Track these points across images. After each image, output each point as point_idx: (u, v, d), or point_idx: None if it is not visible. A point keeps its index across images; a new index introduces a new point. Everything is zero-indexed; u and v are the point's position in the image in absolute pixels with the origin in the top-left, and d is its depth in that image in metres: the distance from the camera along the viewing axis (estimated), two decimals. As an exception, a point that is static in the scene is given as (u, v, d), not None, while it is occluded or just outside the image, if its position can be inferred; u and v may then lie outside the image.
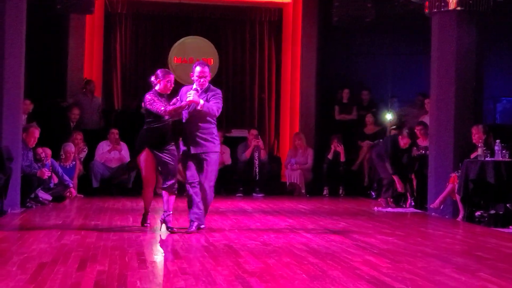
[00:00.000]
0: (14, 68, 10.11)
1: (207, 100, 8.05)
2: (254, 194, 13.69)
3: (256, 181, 13.89)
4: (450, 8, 10.52)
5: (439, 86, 10.78)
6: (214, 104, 8.09)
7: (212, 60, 15.79)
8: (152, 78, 8.20)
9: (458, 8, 10.48)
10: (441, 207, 10.41)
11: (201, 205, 8.13)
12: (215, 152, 8.23)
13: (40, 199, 11.06)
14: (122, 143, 13.54)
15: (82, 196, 12.54)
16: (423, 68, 13.03)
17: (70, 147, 12.62)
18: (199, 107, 7.95)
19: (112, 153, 13.43)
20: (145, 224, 8.45)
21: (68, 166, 12.46)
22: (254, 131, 14.31)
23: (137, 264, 5.91)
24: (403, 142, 11.51)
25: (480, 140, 9.98)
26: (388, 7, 14.18)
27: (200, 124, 8.10)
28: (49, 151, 11.54)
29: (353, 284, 5.17)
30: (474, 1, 10.43)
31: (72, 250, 6.54)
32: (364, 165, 14.23)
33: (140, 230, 8.14)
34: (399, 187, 11.48)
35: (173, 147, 8.13)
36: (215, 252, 6.67)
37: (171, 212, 8.13)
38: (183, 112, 8.11)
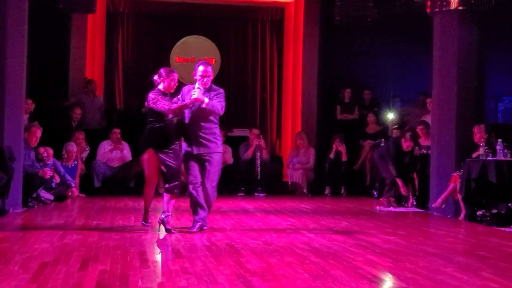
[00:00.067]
0: (16, 67, 10.11)
1: (210, 99, 8.04)
2: (256, 194, 13.69)
3: (258, 180, 13.89)
4: (451, 8, 10.52)
5: (441, 86, 10.77)
6: (218, 103, 8.08)
7: (214, 59, 15.80)
8: (155, 77, 8.14)
9: (460, 8, 10.48)
10: (443, 207, 10.40)
11: (204, 206, 8.12)
12: (217, 152, 8.22)
13: (42, 198, 11.06)
14: (124, 142, 13.55)
15: (84, 195, 12.55)
16: (425, 67, 13.01)
17: (72, 147, 12.62)
18: (204, 105, 7.94)
19: (114, 152, 13.44)
20: (146, 224, 8.41)
21: (70, 166, 12.47)
22: (256, 131, 14.30)
23: (139, 264, 5.91)
24: (406, 145, 11.50)
25: (482, 140, 9.97)
26: (389, 7, 14.18)
27: (202, 124, 8.09)
28: (51, 151, 11.55)
29: (355, 283, 5.17)
30: (475, 1, 10.42)
31: (74, 250, 6.55)
32: (366, 164, 14.23)
33: (142, 230, 8.14)
34: (403, 190, 11.47)
35: (177, 147, 8.08)
36: (217, 251, 6.67)
37: (170, 214, 8.10)
38: (185, 111, 8.09)
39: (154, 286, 5.07)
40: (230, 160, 14.11)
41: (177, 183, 8.04)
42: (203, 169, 8.10)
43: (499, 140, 9.73)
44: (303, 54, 15.78)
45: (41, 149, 11.32)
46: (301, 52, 15.84)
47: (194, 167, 8.10)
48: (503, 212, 9.43)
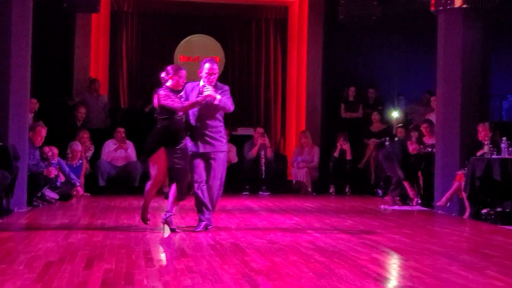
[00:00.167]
0: (20, 67, 10.12)
1: None
2: (260, 193, 13.69)
3: (262, 179, 13.90)
4: (456, 6, 10.51)
5: (445, 84, 10.77)
6: (228, 100, 8.08)
7: (218, 58, 15.79)
8: (163, 74, 8.02)
9: (464, 6, 10.47)
10: (448, 205, 10.40)
11: (209, 205, 8.12)
12: (223, 151, 8.22)
13: (47, 198, 11.08)
14: (128, 141, 13.56)
15: (89, 194, 12.56)
16: (429, 65, 13.02)
17: (77, 146, 12.64)
18: (216, 102, 7.92)
19: (118, 151, 13.45)
20: (147, 222, 8.27)
21: (74, 165, 12.48)
22: (260, 129, 14.31)
23: (144, 263, 5.92)
24: (412, 147, 11.48)
25: (487, 138, 9.96)
26: (393, 5, 14.17)
27: (208, 122, 8.08)
28: (56, 150, 11.56)
29: (360, 282, 5.17)
30: (480, -1, 10.44)
31: (79, 249, 6.55)
32: (370, 163, 14.21)
33: (146, 229, 8.13)
34: (411, 194, 11.45)
35: (185, 146, 8.01)
36: (221, 250, 6.67)
37: (174, 214, 8.06)
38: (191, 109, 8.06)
39: (159, 285, 5.07)
40: (234, 159, 14.11)
41: (185, 186, 7.97)
42: (208, 168, 8.09)
43: (504, 138, 9.71)
44: (307, 53, 15.78)
45: (46, 149, 11.34)
46: (305, 50, 15.84)
47: (199, 166, 8.08)
48: (507, 210, 9.41)
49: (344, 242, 7.22)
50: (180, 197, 7.96)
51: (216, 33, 16.41)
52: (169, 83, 7.95)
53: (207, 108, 8.00)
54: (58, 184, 11.66)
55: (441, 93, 10.89)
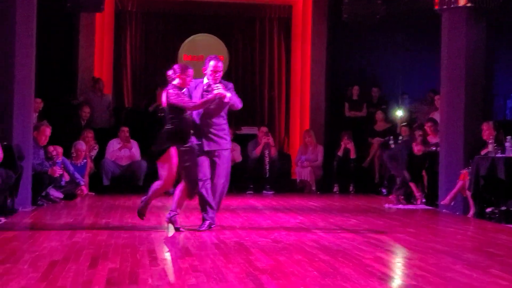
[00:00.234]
0: (25, 66, 10.14)
1: None
2: (264, 192, 13.70)
3: (266, 178, 13.90)
4: (460, 5, 10.50)
5: (449, 83, 10.76)
6: (236, 97, 8.09)
7: (222, 57, 15.80)
8: (170, 72, 7.96)
9: (468, 5, 10.46)
10: (452, 204, 10.39)
11: (213, 204, 8.12)
12: (227, 149, 8.23)
13: (51, 197, 11.10)
14: (132, 140, 13.58)
15: (93, 194, 12.58)
16: (433, 64, 13.02)
17: (81, 145, 12.65)
18: (226, 100, 7.92)
19: (122, 151, 13.46)
20: (143, 217, 8.16)
21: (79, 164, 12.50)
22: (264, 129, 14.31)
23: (149, 262, 5.92)
24: (417, 148, 11.48)
25: (491, 137, 9.95)
26: (397, 4, 14.16)
27: (214, 120, 8.09)
28: (60, 149, 11.58)
29: (365, 281, 5.17)
30: (483, -2, 10.43)
31: (83, 248, 6.56)
32: (374, 162, 14.21)
33: (151, 228, 8.14)
34: (417, 195, 11.44)
35: (192, 144, 7.99)
36: (226, 249, 6.67)
37: (178, 213, 8.05)
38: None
39: (163, 284, 5.07)
40: (238, 158, 14.12)
41: (194, 186, 7.95)
42: (213, 166, 8.09)
43: (508, 137, 9.69)
44: (311, 52, 15.78)
45: (51, 148, 11.35)
46: (309, 49, 15.84)
47: (204, 164, 8.06)
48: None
49: (349, 241, 7.22)
50: (189, 195, 7.96)
51: (220, 32, 16.41)
52: (176, 82, 7.90)
53: (214, 106, 8.00)
54: (63, 183, 11.68)
55: (445, 92, 10.88)
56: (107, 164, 13.26)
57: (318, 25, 15.80)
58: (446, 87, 10.82)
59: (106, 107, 14.78)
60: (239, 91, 15.87)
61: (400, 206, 11.35)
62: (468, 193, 9.90)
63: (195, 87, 8.10)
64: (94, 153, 13.34)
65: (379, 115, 14.75)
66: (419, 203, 11.49)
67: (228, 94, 7.90)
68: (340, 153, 14.13)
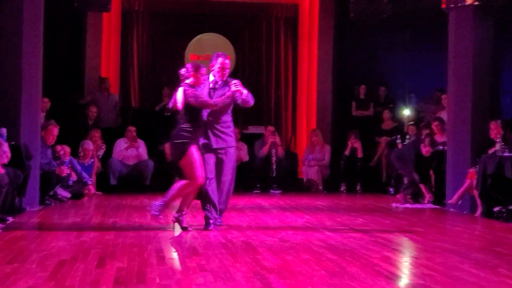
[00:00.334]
0: (32, 66, 10.16)
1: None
2: (271, 191, 13.70)
3: (273, 177, 13.90)
4: (467, 3, 10.48)
5: (456, 82, 10.74)
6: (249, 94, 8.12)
7: (229, 56, 15.78)
8: (183, 71, 7.93)
9: (475, 3, 10.44)
10: (459, 203, 10.37)
11: (216, 203, 8.11)
12: (233, 146, 8.25)
13: (59, 196, 11.12)
14: (139, 140, 13.59)
15: (101, 193, 12.60)
16: (440, 63, 12.99)
17: (89, 145, 12.67)
18: (244, 97, 7.95)
19: (129, 150, 13.48)
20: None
21: (86, 164, 12.52)
22: (271, 128, 14.31)
23: (156, 261, 5.93)
24: (425, 150, 11.47)
25: (498, 135, 9.93)
26: (404, 3, 14.13)
27: (222, 117, 8.09)
28: (68, 149, 11.60)
29: (372, 280, 5.17)
30: (491, -3, 10.41)
31: (91, 247, 6.57)
32: (382, 161, 14.20)
33: (158, 228, 8.14)
34: (428, 196, 11.42)
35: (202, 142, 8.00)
36: (233, 248, 6.68)
37: (185, 213, 8.05)
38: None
39: (171, 283, 5.08)
40: (245, 157, 14.13)
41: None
42: (220, 163, 8.08)
43: (516, 135, 9.70)
44: (318, 51, 15.78)
45: (58, 147, 11.38)
46: (316, 48, 15.84)
47: (210, 161, 8.06)
48: (520, 208, 9.40)
49: (356, 240, 7.22)
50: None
51: (227, 32, 16.42)
52: (189, 81, 7.88)
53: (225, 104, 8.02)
54: (70, 182, 11.71)
55: (452, 91, 10.87)
56: (114, 164, 13.28)
57: (325, 24, 15.80)
58: (453, 86, 10.81)
59: (113, 106, 14.80)
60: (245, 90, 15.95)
61: (407, 205, 11.34)
62: (476, 192, 9.89)
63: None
64: (101, 152, 13.36)
65: (386, 114, 14.74)
66: (426, 202, 11.48)
67: (245, 91, 7.93)
68: (347, 152, 14.12)
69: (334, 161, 14.37)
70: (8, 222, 8.21)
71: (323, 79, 15.73)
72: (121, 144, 13.53)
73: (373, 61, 16.01)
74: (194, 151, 7.76)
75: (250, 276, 5.27)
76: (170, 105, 8.06)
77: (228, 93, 7.95)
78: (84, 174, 11.98)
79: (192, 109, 7.77)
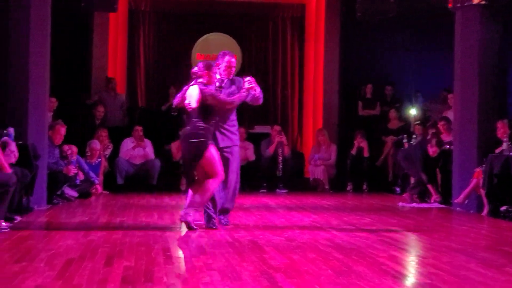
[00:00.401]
0: (39, 66, 10.19)
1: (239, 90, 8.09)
2: (277, 190, 13.71)
3: (280, 177, 13.91)
4: (474, 3, 10.47)
5: (463, 81, 10.73)
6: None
7: (235, 57, 15.80)
8: (195, 70, 7.93)
9: (482, 3, 10.43)
10: (466, 202, 10.36)
11: (217, 201, 8.15)
12: (238, 145, 8.32)
13: (66, 195, 11.15)
14: (146, 140, 13.61)
15: (108, 192, 12.62)
16: (446, 63, 12.98)
17: (96, 144, 12.70)
18: (257, 94, 8.00)
19: (136, 150, 13.50)
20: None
21: (93, 163, 12.54)
22: (277, 127, 14.32)
23: (163, 260, 5.95)
24: (432, 150, 11.46)
25: (505, 135, 9.92)
26: (411, 2, 14.12)
27: (229, 115, 8.12)
28: (75, 148, 11.62)
29: (379, 279, 5.17)
30: (497, -5, 10.40)
31: (98, 246, 6.59)
32: (388, 160, 14.19)
33: (165, 227, 8.17)
34: (436, 197, 11.40)
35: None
36: (240, 248, 6.69)
37: (192, 212, 8.05)
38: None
39: (178, 282, 5.10)
40: (252, 157, 14.14)
41: None
42: (226, 162, 8.10)
43: (523, 135, 9.68)
44: (324, 51, 15.78)
45: (66, 147, 11.41)
46: (322, 48, 15.84)
47: None
48: (526, 207, 9.39)
49: (362, 240, 7.22)
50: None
51: (233, 31, 16.44)
52: (201, 80, 7.88)
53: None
54: (77, 182, 11.74)
55: (458, 90, 10.86)
56: (121, 163, 13.31)
57: (331, 23, 15.79)
58: (459, 85, 10.80)
59: (119, 106, 14.83)
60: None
61: (414, 204, 11.34)
62: (482, 192, 9.88)
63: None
64: (108, 152, 13.39)
65: (392, 113, 14.73)
66: (432, 201, 11.47)
67: (257, 89, 7.97)
68: (353, 152, 14.11)
69: (340, 160, 14.37)
70: (16, 221, 8.24)
71: (330, 79, 15.73)
72: (128, 144, 13.55)
73: (380, 60, 16.00)
74: (212, 149, 7.81)
75: (257, 275, 5.28)
76: (176, 102, 8.03)
77: (243, 90, 7.97)
78: (91, 174, 12.02)
79: (207, 108, 7.78)
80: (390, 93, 15.58)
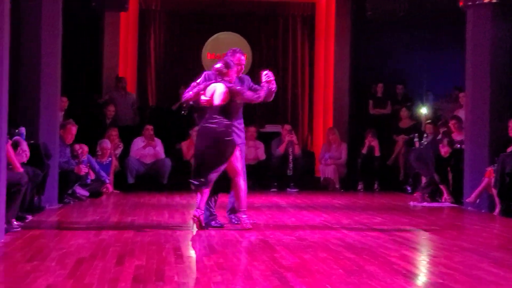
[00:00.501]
0: (51, 65, 10.22)
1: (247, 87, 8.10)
2: (288, 189, 13.69)
3: (290, 176, 13.89)
4: (485, 1, 10.43)
5: (474, 80, 10.70)
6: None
7: (245, 55, 15.80)
8: (219, 66, 7.89)
9: (493, 1, 10.39)
10: (477, 201, 10.33)
11: (229, 202, 8.20)
12: (245, 143, 8.35)
13: (78, 195, 11.18)
14: (156, 139, 13.63)
15: (118, 192, 12.64)
16: (457, 61, 12.94)
17: (106, 144, 12.73)
18: (274, 89, 8.02)
19: (147, 149, 13.51)
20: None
21: (104, 162, 12.57)
22: (288, 126, 14.31)
23: (174, 259, 5.96)
24: (444, 150, 11.41)
25: (517, 134, 9.89)
26: (421, 0, 14.09)
27: (240, 113, 8.12)
28: (86, 148, 11.65)
29: (390, 278, 5.16)
30: (509, -6, 10.35)
31: (109, 246, 6.60)
32: (399, 159, 14.14)
33: (176, 226, 8.18)
34: (448, 198, 11.35)
35: None
36: (250, 247, 6.70)
37: (204, 211, 8.03)
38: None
39: (189, 281, 5.11)
40: (262, 156, 14.14)
41: None
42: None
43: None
44: (335, 49, 15.74)
45: (77, 146, 11.44)
46: (333, 47, 15.80)
47: None
48: (538, 206, 9.35)
49: (374, 239, 7.21)
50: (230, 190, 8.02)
51: (243, 31, 16.44)
52: (227, 77, 7.88)
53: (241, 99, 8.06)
54: (88, 181, 11.78)
55: (469, 89, 10.82)
56: (132, 162, 13.33)
57: (342, 22, 15.75)
58: (471, 84, 10.76)
59: (130, 105, 14.85)
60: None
61: (425, 204, 11.30)
62: (494, 191, 9.85)
63: (215, 79, 8.07)
64: (119, 151, 13.42)
65: (403, 112, 14.69)
66: (443, 200, 11.43)
67: (274, 84, 8.00)
68: (364, 151, 14.08)
69: (351, 159, 14.34)
70: (27, 220, 8.27)
71: (340, 77, 15.69)
72: (138, 143, 13.57)
73: (390, 59, 15.94)
74: (237, 149, 7.89)
75: (268, 275, 5.28)
76: (187, 97, 7.97)
77: (262, 84, 7.97)
78: (102, 173, 12.04)
79: (232, 106, 7.81)
80: (401, 92, 15.54)
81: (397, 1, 13.93)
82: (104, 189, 12.03)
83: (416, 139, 12.73)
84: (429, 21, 15.12)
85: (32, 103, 10.04)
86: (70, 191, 10.95)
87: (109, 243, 6.79)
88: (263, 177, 13.71)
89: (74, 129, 11.16)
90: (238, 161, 7.88)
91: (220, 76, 7.87)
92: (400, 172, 14.08)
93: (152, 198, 11.74)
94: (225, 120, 7.78)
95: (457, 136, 11.67)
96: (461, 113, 12.17)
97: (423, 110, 14.77)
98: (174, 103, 15.08)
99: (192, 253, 6.55)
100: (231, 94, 7.77)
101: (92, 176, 11.90)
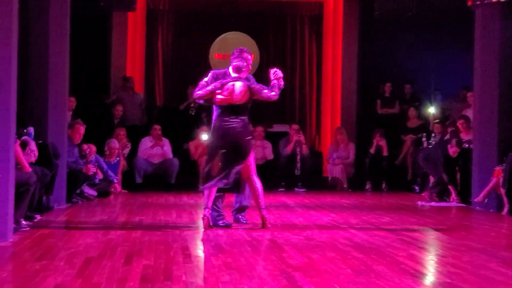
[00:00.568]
0: (59, 65, 10.25)
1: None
2: (296, 189, 13.69)
3: (298, 176, 13.89)
4: (493, 1, 10.40)
5: (482, 79, 10.67)
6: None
7: (253, 55, 15.80)
8: (240, 63, 7.95)
9: (502, 0, 10.36)
10: (486, 201, 10.30)
11: (236, 201, 8.19)
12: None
13: (86, 194, 11.20)
14: (164, 139, 13.64)
15: (126, 191, 12.66)
16: (466, 61, 12.92)
17: (114, 143, 12.75)
18: (282, 86, 8.06)
19: (154, 149, 13.53)
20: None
21: (112, 162, 12.59)
22: (296, 126, 14.31)
23: (182, 259, 5.96)
24: (452, 150, 11.38)
25: (526, 133, 9.86)
26: (430, 0, 14.06)
27: (247, 111, 8.12)
28: (94, 148, 11.68)
29: (399, 278, 5.15)
30: (517, -7, 10.32)
31: (118, 245, 6.61)
32: (407, 159, 14.12)
33: (184, 226, 8.19)
34: (456, 199, 11.32)
35: None
36: (258, 247, 6.70)
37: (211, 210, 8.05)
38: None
39: (197, 281, 5.11)
40: (270, 155, 14.15)
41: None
42: None
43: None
44: (343, 49, 15.72)
45: (85, 146, 11.46)
46: (341, 46, 15.78)
47: None
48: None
49: (382, 239, 7.20)
50: (241, 190, 8.01)
51: (251, 30, 16.43)
52: (243, 74, 7.94)
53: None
54: (96, 181, 11.80)
55: (478, 89, 10.80)
56: (140, 162, 13.35)
57: (349, 22, 15.73)
58: (479, 83, 10.74)
59: (138, 105, 14.87)
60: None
61: (433, 203, 11.28)
62: (502, 190, 9.82)
63: (223, 76, 8.06)
64: (126, 151, 13.44)
65: (411, 112, 14.66)
66: (451, 199, 11.41)
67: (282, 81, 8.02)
68: (372, 151, 14.06)
69: (359, 159, 14.33)
70: (36, 220, 8.29)
71: (348, 77, 15.67)
72: (146, 143, 13.59)
73: (398, 59, 15.91)
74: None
75: (276, 274, 5.28)
76: (202, 94, 7.91)
77: (273, 83, 7.99)
78: (110, 173, 12.07)
79: (250, 104, 7.87)
80: (409, 91, 15.50)
81: (405, 1, 13.89)
82: (112, 189, 12.05)
83: (424, 139, 12.71)
84: (437, 20, 15.10)
85: (40, 103, 10.07)
86: (78, 191, 10.97)
87: (117, 242, 6.80)
88: (271, 176, 13.67)
89: (82, 129, 11.18)
90: (253, 160, 7.94)
91: (237, 72, 7.90)
92: (408, 171, 14.06)
93: (160, 197, 11.75)
94: (244, 119, 7.81)
95: (465, 136, 11.65)
96: (469, 113, 12.14)
97: (431, 110, 14.74)
98: (181, 103, 15.09)
99: (200, 252, 6.56)
100: (250, 92, 7.77)
101: (100, 175, 11.92)
